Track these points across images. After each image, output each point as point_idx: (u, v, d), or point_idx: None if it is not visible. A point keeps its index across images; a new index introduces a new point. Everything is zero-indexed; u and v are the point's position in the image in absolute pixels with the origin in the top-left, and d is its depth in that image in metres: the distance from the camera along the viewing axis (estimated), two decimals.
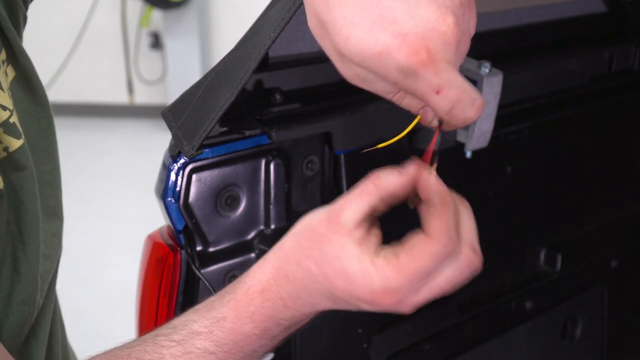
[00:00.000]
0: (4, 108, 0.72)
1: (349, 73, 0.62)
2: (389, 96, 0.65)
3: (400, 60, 0.57)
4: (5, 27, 0.75)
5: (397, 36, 0.57)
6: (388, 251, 0.62)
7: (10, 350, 0.74)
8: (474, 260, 0.65)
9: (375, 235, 0.64)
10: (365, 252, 0.62)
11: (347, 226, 0.63)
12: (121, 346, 0.69)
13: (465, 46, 0.61)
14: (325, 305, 0.67)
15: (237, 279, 0.70)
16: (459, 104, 0.58)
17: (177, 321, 0.68)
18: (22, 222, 0.74)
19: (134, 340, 0.69)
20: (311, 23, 0.62)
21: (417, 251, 0.61)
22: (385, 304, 0.64)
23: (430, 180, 0.63)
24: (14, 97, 0.76)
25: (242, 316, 0.67)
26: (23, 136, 0.75)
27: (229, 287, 0.69)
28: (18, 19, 0.80)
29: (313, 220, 0.66)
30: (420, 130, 1.12)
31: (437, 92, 0.58)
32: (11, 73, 0.78)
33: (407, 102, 0.65)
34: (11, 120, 0.73)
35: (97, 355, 0.68)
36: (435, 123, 0.64)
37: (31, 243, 0.75)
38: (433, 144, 0.66)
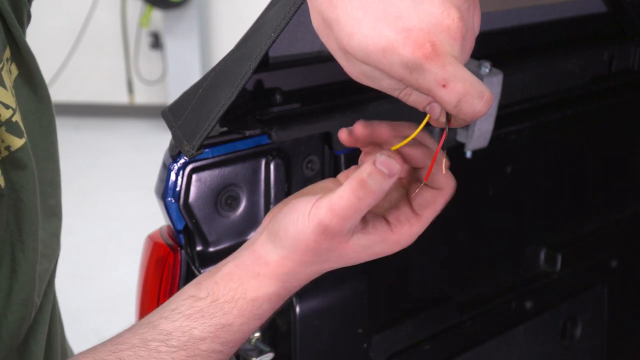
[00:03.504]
0: (7, 106, 0.72)
1: (355, 71, 0.62)
2: (395, 93, 0.64)
3: (404, 56, 0.57)
4: (10, 24, 0.75)
5: (402, 31, 0.57)
6: (404, 214, 0.69)
7: (8, 351, 0.74)
8: None
9: (369, 211, 0.68)
10: (381, 231, 0.68)
11: (351, 233, 0.66)
12: (102, 349, 0.68)
13: (471, 43, 0.61)
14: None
15: (220, 284, 0.70)
16: (466, 97, 0.58)
17: (168, 326, 0.68)
18: (22, 221, 0.74)
19: (115, 344, 0.68)
20: (315, 22, 0.62)
21: (437, 205, 0.69)
22: None
23: (416, 152, 0.69)
24: (17, 95, 0.76)
25: (249, 320, 0.70)
26: (25, 135, 0.75)
27: (221, 294, 0.70)
28: (22, 16, 0.79)
29: (305, 239, 0.67)
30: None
31: (444, 86, 0.57)
32: (15, 71, 0.77)
33: (413, 99, 0.65)
34: (14, 119, 0.73)
35: (76, 358, 0.68)
36: (443, 119, 0.64)
37: (30, 243, 0.75)
38: (443, 141, 0.66)
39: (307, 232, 0.66)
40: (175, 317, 0.69)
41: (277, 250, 0.68)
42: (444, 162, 0.68)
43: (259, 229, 0.72)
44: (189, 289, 0.71)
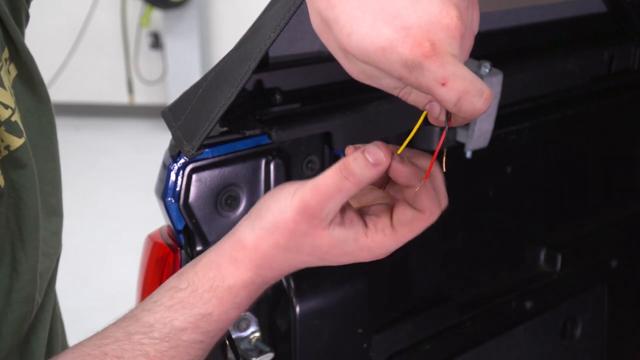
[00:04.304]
0: (6, 106, 0.72)
1: (355, 70, 0.62)
2: (395, 92, 0.64)
3: (404, 54, 0.57)
4: (8, 25, 0.75)
5: (400, 30, 0.57)
6: (381, 223, 0.68)
7: (10, 349, 0.74)
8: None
9: (350, 207, 0.69)
10: (356, 230, 0.68)
11: (329, 219, 0.67)
12: (88, 344, 0.69)
13: (470, 42, 0.60)
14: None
15: (200, 274, 0.71)
16: (466, 95, 0.57)
17: (150, 319, 0.70)
18: (22, 220, 0.75)
19: (100, 338, 0.70)
20: (314, 21, 0.62)
21: (415, 225, 0.68)
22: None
23: (403, 168, 0.66)
24: (16, 95, 0.76)
25: (228, 309, 0.71)
26: (25, 135, 0.75)
27: (200, 284, 0.71)
28: (20, 17, 0.80)
29: (285, 218, 0.68)
30: (420, 132, 1.12)
31: (443, 84, 0.57)
32: (13, 71, 0.78)
33: (413, 98, 0.65)
34: (13, 119, 0.73)
35: (64, 354, 0.69)
36: (442, 118, 0.64)
37: (31, 242, 0.75)
38: (442, 139, 0.65)
39: (287, 210, 0.67)
40: (157, 309, 0.70)
41: (255, 231, 0.70)
42: (443, 163, 0.68)
43: (244, 217, 0.74)
44: (171, 280, 0.72)
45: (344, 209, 0.69)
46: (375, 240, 0.68)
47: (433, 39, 0.56)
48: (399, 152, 0.68)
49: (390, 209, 0.70)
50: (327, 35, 0.61)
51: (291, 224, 0.67)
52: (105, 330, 0.71)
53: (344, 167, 0.65)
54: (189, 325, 0.69)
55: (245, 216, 0.73)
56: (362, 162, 0.65)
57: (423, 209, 0.68)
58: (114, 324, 0.71)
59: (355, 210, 0.70)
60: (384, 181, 0.72)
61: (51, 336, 0.86)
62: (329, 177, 0.65)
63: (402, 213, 0.68)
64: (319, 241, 0.68)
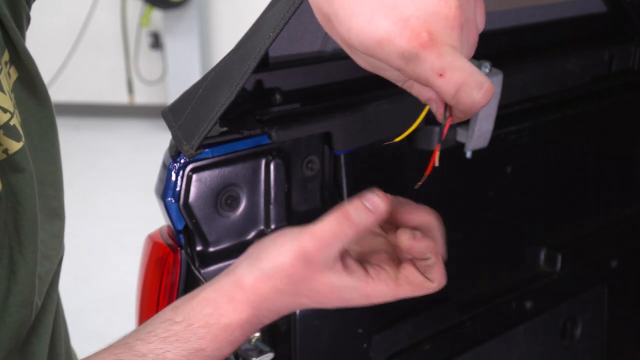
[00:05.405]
0: (5, 110, 0.72)
1: (361, 61, 0.62)
2: (399, 83, 0.64)
3: (401, 46, 0.56)
4: (8, 27, 0.75)
5: (398, 22, 0.56)
6: (385, 275, 0.69)
7: (9, 352, 0.74)
8: None
9: (348, 255, 0.70)
10: (357, 279, 0.69)
11: (327, 264, 0.68)
12: None
13: (473, 36, 0.60)
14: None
15: (196, 309, 0.72)
16: (464, 87, 0.56)
17: (143, 348, 0.70)
18: (20, 224, 0.74)
19: None
20: (318, 17, 0.62)
21: (420, 289, 0.70)
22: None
23: (417, 244, 0.68)
24: (16, 98, 0.76)
25: (222, 346, 0.71)
26: (23, 138, 0.75)
27: (196, 319, 0.71)
28: (21, 19, 0.80)
29: (283, 264, 0.69)
30: (420, 131, 1.12)
31: (441, 75, 0.56)
32: (14, 74, 0.77)
33: (416, 90, 0.64)
34: (11, 123, 0.73)
35: None
36: (441, 111, 0.63)
37: (29, 245, 0.75)
38: (445, 133, 0.65)
39: (286, 255, 0.68)
40: (151, 340, 0.70)
41: (254, 272, 0.70)
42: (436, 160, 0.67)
43: (242, 256, 0.74)
44: (166, 312, 0.73)
45: (344, 256, 0.69)
46: (377, 290, 0.69)
47: (431, 30, 0.56)
48: (397, 140, 0.69)
49: (392, 258, 0.71)
50: (331, 29, 0.61)
51: (289, 269, 0.68)
52: (96, 355, 0.71)
53: (343, 216, 0.66)
54: (182, 359, 0.70)
55: (246, 254, 0.73)
56: (362, 211, 0.66)
57: (433, 279, 0.69)
58: (106, 349, 0.71)
59: (354, 258, 0.71)
60: (386, 226, 0.74)
61: (54, 338, 0.85)
62: (328, 224, 0.67)
63: (412, 275, 0.69)
64: (317, 285, 0.69)
